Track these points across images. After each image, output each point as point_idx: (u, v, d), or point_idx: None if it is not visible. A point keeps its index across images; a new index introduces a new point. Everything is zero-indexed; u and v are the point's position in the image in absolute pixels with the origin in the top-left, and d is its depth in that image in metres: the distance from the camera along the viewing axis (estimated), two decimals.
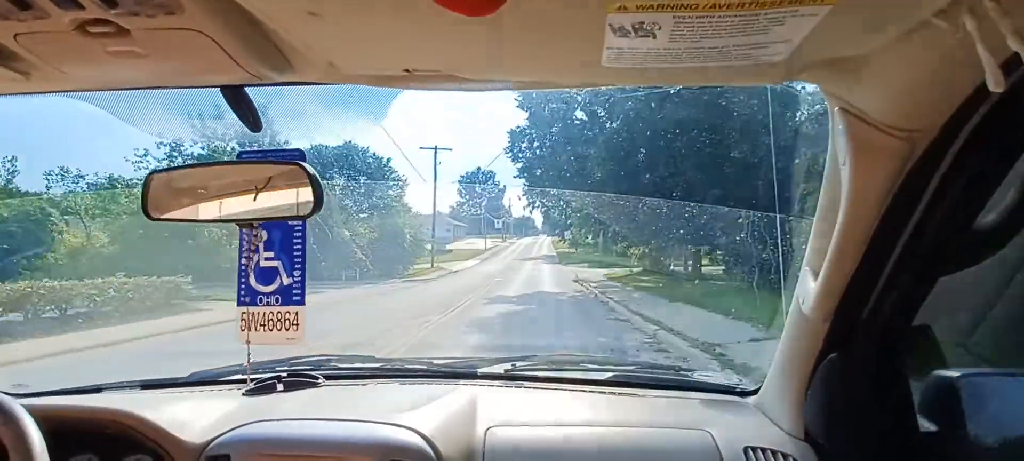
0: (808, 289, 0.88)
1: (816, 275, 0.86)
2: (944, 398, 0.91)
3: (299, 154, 0.96)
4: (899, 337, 0.90)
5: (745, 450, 1.04)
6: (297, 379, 1.37)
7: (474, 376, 1.48)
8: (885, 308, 0.85)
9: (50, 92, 0.78)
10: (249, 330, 1.08)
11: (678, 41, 0.55)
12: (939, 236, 0.71)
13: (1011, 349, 0.96)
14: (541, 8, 0.53)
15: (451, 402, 1.23)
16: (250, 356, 1.22)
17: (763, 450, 1.04)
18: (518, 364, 1.52)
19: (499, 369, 1.50)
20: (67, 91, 0.76)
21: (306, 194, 0.81)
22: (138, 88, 0.77)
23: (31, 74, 0.68)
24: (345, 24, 0.60)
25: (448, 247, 32.35)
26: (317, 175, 0.82)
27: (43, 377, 1.45)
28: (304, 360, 1.61)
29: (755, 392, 1.27)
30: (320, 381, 1.38)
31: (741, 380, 1.38)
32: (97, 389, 1.46)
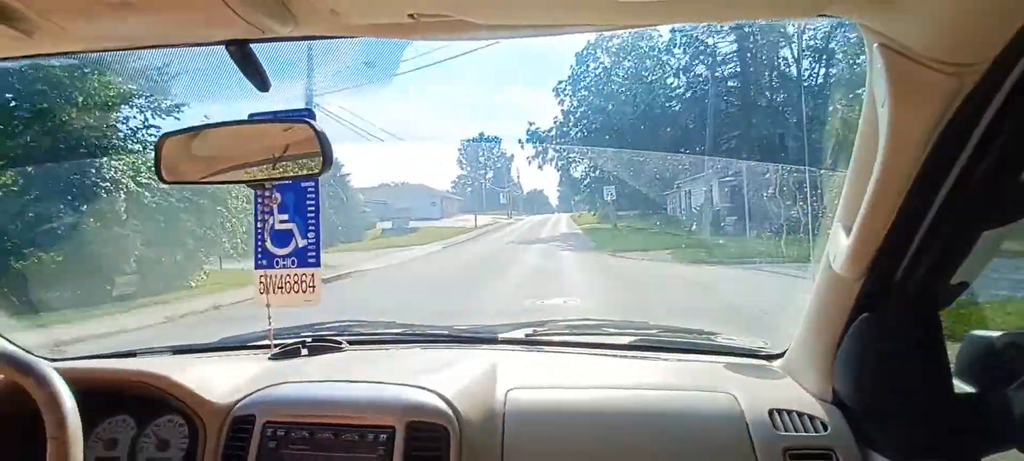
0: (840, 246, 0.84)
1: (848, 231, 0.82)
2: (982, 359, 0.87)
3: (308, 113, 0.94)
4: (936, 295, 0.86)
5: (770, 412, 1.02)
6: (321, 344, 1.39)
7: (495, 341, 1.48)
8: (922, 264, 0.80)
9: (55, 53, 0.77)
10: (268, 293, 1.09)
11: None
12: (986, 185, 0.65)
13: None
14: None
15: (472, 365, 1.24)
16: (272, 321, 1.23)
17: (789, 412, 1.02)
18: (539, 329, 1.52)
19: (520, 334, 1.50)
20: (71, 52, 0.75)
21: (315, 153, 0.80)
22: (142, 47, 0.75)
23: (33, 33, 0.67)
24: None
25: (415, 225, 25.91)
26: (325, 133, 0.81)
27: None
28: (328, 325, 1.63)
29: (781, 355, 1.23)
30: (343, 346, 1.40)
31: (767, 343, 1.34)
32: (131, 354, 1.51)
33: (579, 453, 1.04)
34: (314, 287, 1.06)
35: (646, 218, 18.77)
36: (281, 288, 1.08)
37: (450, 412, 1.02)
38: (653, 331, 1.51)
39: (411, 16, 0.67)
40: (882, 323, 0.91)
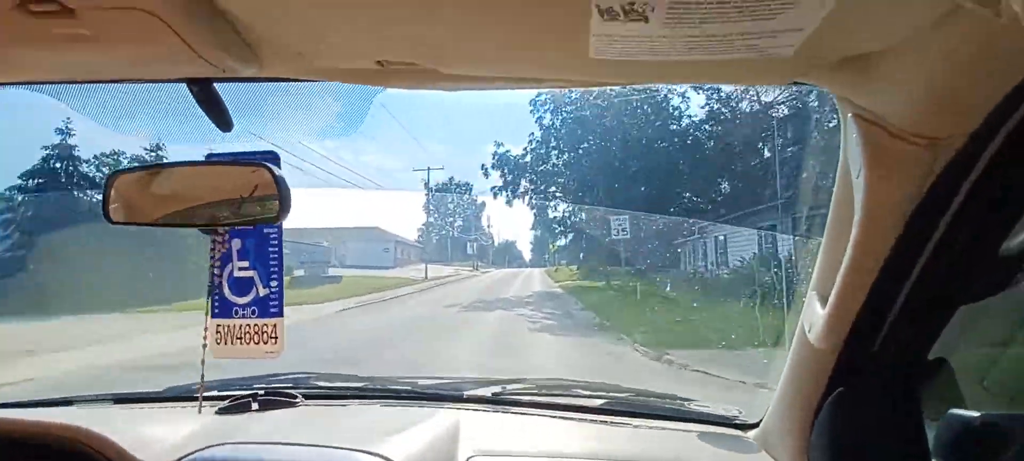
0: (816, 316, 0.81)
1: (824, 301, 0.79)
2: (961, 440, 0.84)
3: (271, 155, 0.91)
4: (914, 371, 0.83)
5: None
6: (273, 398, 1.31)
7: (459, 398, 1.42)
8: (899, 338, 0.78)
9: (6, 83, 0.73)
10: (225, 344, 1.02)
11: (674, 26, 0.50)
12: (962, 259, 0.64)
13: None
14: None
15: (432, 426, 1.17)
16: (205, 375, 1.16)
17: None
18: (507, 387, 1.46)
19: (486, 392, 1.44)
20: (20, 82, 0.71)
21: (273, 198, 0.76)
22: (96, 80, 0.72)
23: None
24: (312, 6, 0.55)
25: (337, 273, 22.55)
26: (284, 178, 0.77)
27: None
28: (283, 377, 1.55)
29: (756, 425, 1.19)
30: (298, 400, 1.32)
31: (740, 412, 1.30)
32: (67, 402, 1.41)
33: None
34: (277, 337, 0.99)
35: (645, 276, 15.44)
36: (240, 339, 1.01)
37: None
38: (624, 394, 1.46)
39: (379, 63, 0.65)
40: (858, 398, 0.88)
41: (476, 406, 1.37)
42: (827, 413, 0.92)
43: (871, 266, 0.69)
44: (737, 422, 1.25)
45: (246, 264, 1.00)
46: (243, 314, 1.01)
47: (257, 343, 1.00)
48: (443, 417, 1.23)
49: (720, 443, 1.17)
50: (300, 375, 1.58)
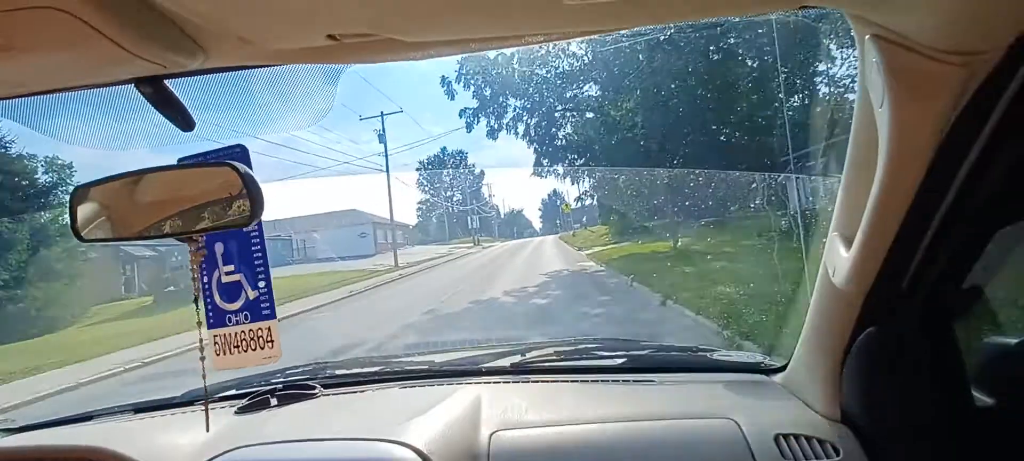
0: (839, 258, 0.75)
1: (848, 242, 0.73)
2: (1002, 368, 0.79)
3: (239, 151, 0.85)
4: (949, 302, 0.78)
5: (776, 439, 0.93)
6: (292, 391, 1.29)
7: (479, 372, 1.39)
8: (933, 270, 0.72)
9: None
10: (225, 354, 0.99)
11: None
12: (1000, 179, 0.57)
13: None
14: None
15: (453, 405, 1.15)
16: (207, 379, 1.14)
17: (796, 437, 0.93)
18: (527, 355, 1.43)
19: (505, 363, 1.42)
20: None
21: (242, 197, 0.71)
22: (29, 93, 0.65)
23: None
24: None
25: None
26: (251, 175, 0.71)
27: None
28: (300, 369, 1.54)
29: (783, 369, 1.15)
30: (317, 391, 1.31)
31: (767, 356, 1.26)
32: (88, 417, 1.40)
33: None
34: (273, 341, 0.96)
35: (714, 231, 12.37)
36: (238, 347, 0.98)
37: None
38: (646, 351, 1.43)
39: (332, 37, 0.58)
40: (891, 336, 0.83)
41: (496, 378, 1.35)
42: (857, 354, 0.88)
43: (899, 202, 0.63)
44: (762, 367, 1.22)
45: (232, 268, 0.95)
46: (237, 320, 0.97)
47: (254, 349, 0.96)
48: (463, 394, 1.21)
49: (747, 390, 1.13)
50: (317, 364, 1.57)
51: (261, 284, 0.96)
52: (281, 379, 1.42)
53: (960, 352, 0.80)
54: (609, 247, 18.03)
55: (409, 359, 1.61)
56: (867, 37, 0.52)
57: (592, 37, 0.64)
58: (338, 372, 1.51)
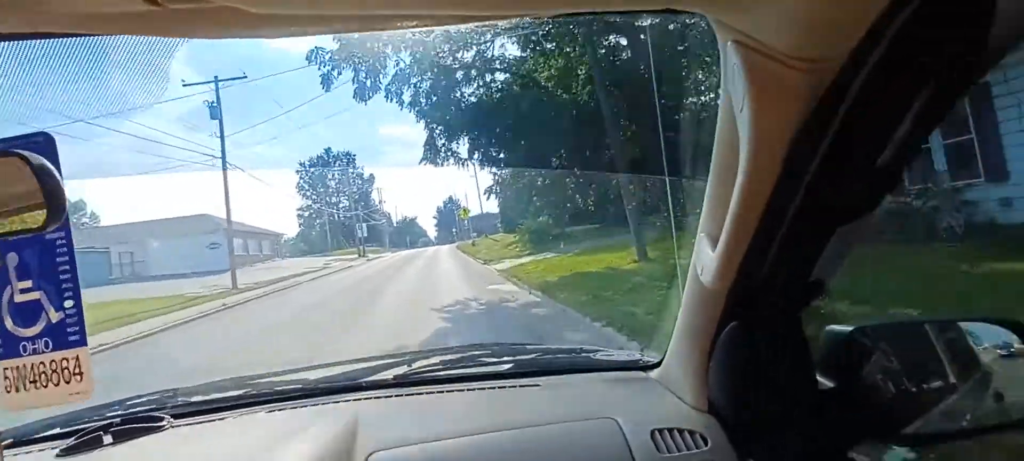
0: (706, 258, 0.79)
1: (714, 242, 0.78)
2: (838, 353, 0.89)
3: (43, 141, 0.67)
4: (798, 296, 0.86)
5: (652, 434, 0.97)
6: (133, 425, 1.08)
7: (358, 388, 1.28)
8: (784, 267, 0.78)
9: None
10: (16, 391, 0.78)
11: None
12: (841, 181, 0.63)
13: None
14: None
15: (326, 428, 1.04)
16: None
17: (670, 431, 0.98)
18: (412, 365, 1.35)
19: (388, 375, 1.33)
20: None
21: (36, 197, 0.55)
22: None
23: None
24: None
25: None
26: (49, 168, 0.56)
27: None
28: (145, 398, 1.31)
29: (659, 364, 1.21)
30: (165, 423, 1.11)
31: (643, 353, 1.32)
32: None
33: None
34: (82, 373, 0.77)
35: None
36: (35, 382, 0.78)
37: None
38: (530, 355, 1.43)
39: (153, 2, 0.47)
40: (750, 328, 0.90)
41: (377, 393, 1.26)
42: (721, 348, 0.93)
43: (759, 201, 0.67)
44: (640, 364, 1.27)
45: (29, 284, 0.75)
46: (34, 349, 0.77)
47: (57, 384, 0.77)
48: (338, 414, 1.11)
49: (624, 387, 1.17)
50: (165, 393, 1.35)
51: (68, 304, 0.77)
52: (119, 411, 1.20)
53: (806, 342, 0.88)
54: (529, 260, 13.79)
55: (278, 378, 1.45)
56: (729, 43, 0.55)
57: (452, 24, 0.59)
58: (192, 399, 1.31)
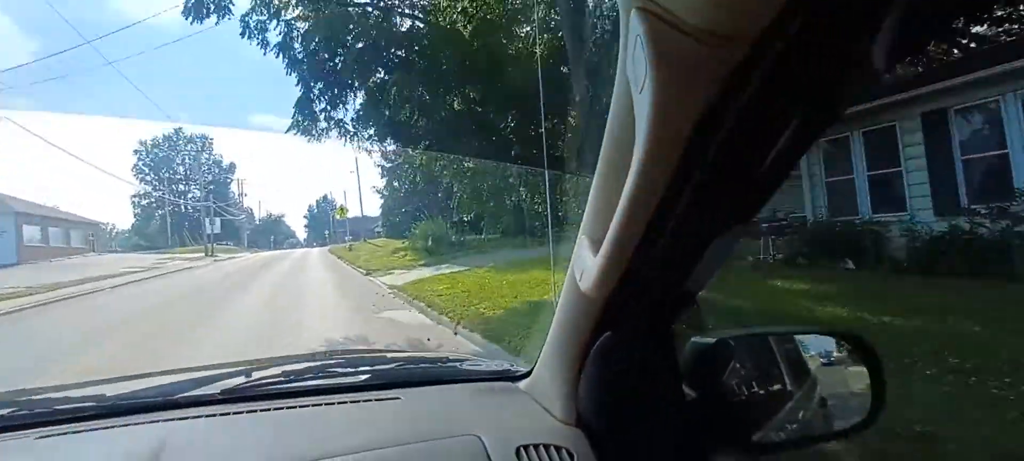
0: (587, 263, 0.74)
1: (596, 246, 0.73)
2: (701, 363, 0.90)
3: None
4: (671, 306, 0.85)
5: (518, 451, 0.90)
6: None
7: (173, 405, 1.04)
8: (664, 274, 0.76)
9: None
10: None
11: None
12: (734, 179, 0.60)
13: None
14: None
15: (117, 455, 0.81)
16: None
17: (536, 447, 0.91)
18: (251, 376, 1.14)
19: (214, 389, 1.10)
20: None
21: None
22: None
23: None
24: None
25: None
26: None
27: None
28: None
29: (528, 375, 1.15)
30: None
31: (513, 363, 1.26)
32: None
33: None
34: None
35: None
36: None
37: None
38: (392, 365, 1.29)
39: None
40: (623, 338, 0.87)
41: (199, 411, 1.03)
42: (593, 359, 0.90)
43: (650, 199, 0.61)
44: (509, 374, 1.20)
45: None
46: None
47: None
48: (140, 438, 0.89)
49: (492, 401, 1.10)
50: None
51: None
52: None
53: (676, 353, 0.88)
54: (429, 274, 10.56)
55: (60, 395, 1.14)
56: (632, 10, 0.49)
57: None
58: None
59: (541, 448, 0.91)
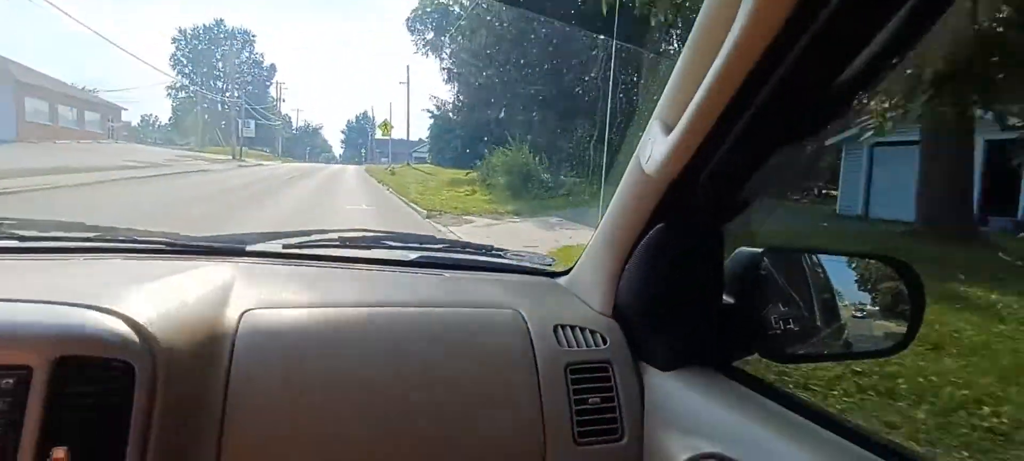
0: (658, 144, 0.77)
1: (668, 130, 0.75)
2: (741, 273, 0.92)
3: None
4: (725, 209, 0.87)
5: (554, 328, 0.97)
6: None
7: (240, 252, 1.14)
8: (725, 172, 0.78)
9: None
10: None
11: None
12: (801, 94, 0.62)
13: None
14: None
15: (195, 281, 0.90)
16: None
17: (572, 327, 0.98)
18: (303, 240, 1.22)
19: (275, 245, 1.18)
20: None
21: None
22: None
23: None
24: None
25: None
26: None
27: None
28: None
29: (567, 272, 1.20)
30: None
31: (554, 261, 1.31)
32: None
33: (340, 383, 0.82)
34: None
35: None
36: None
37: (137, 341, 0.67)
38: (439, 247, 1.36)
39: None
40: (671, 234, 0.90)
41: (260, 260, 1.13)
42: (641, 251, 0.93)
43: (725, 90, 0.64)
44: (548, 270, 1.26)
45: None
46: None
47: None
48: (212, 271, 0.97)
49: (532, 289, 1.16)
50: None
51: None
52: None
53: (722, 255, 0.91)
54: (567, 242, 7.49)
55: (142, 231, 1.24)
56: None
57: None
58: (19, 232, 1.09)
59: (577, 329, 0.97)
